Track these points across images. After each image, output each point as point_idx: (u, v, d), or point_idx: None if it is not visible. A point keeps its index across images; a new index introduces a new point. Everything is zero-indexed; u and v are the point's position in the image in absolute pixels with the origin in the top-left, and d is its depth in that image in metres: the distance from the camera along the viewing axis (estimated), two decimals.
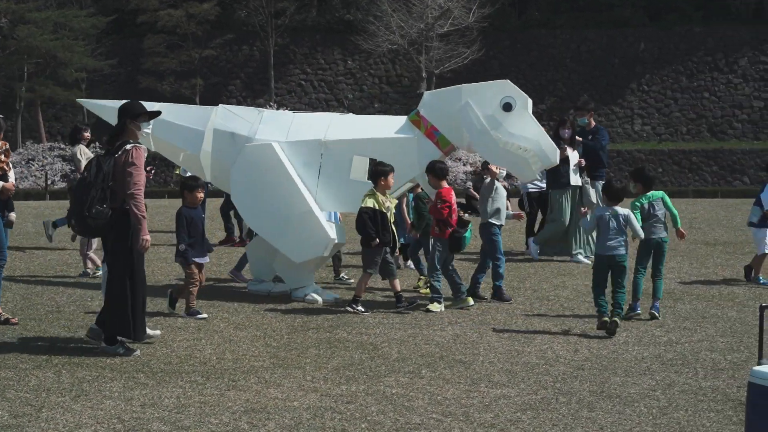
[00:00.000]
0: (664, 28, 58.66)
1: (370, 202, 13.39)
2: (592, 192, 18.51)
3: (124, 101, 14.92)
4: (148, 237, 10.63)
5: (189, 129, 14.78)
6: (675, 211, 13.58)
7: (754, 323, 12.41)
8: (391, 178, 13.53)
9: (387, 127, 14.72)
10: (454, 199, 13.80)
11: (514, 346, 11.32)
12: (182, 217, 12.89)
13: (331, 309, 13.46)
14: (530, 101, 14.17)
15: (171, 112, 14.89)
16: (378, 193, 13.46)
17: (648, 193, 13.38)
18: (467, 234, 13.92)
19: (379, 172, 13.52)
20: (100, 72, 60.36)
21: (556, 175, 18.34)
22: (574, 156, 18.37)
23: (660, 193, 13.47)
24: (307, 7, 63.09)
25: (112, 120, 14.38)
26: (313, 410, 8.59)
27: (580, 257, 18.44)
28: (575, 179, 18.49)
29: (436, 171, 13.77)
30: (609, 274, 12.38)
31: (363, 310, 13.26)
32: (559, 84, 57.74)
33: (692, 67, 58.22)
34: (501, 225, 14.77)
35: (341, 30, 61.40)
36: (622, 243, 12.36)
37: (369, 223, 13.32)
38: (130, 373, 9.81)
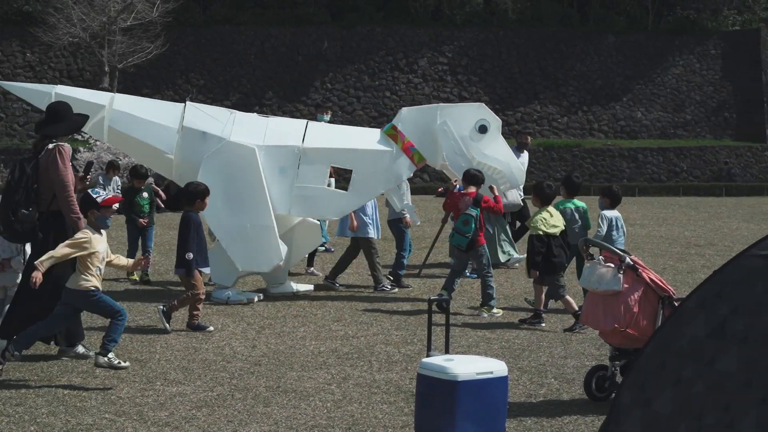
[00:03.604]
0: (346, 27, 59.67)
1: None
2: None
3: (54, 88, 14.12)
4: None
5: (159, 125, 14.26)
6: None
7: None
8: None
9: (365, 138, 14.93)
10: (461, 202, 13.82)
11: (191, 343, 11.22)
12: (192, 223, 12.07)
13: None
14: (500, 123, 14.98)
15: (136, 106, 14.52)
16: None
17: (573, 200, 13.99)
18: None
19: (553, 195, 13.18)
20: None
21: None
22: None
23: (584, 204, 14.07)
24: None
25: (40, 104, 13.51)
26: None
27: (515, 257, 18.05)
28: None
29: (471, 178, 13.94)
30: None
31: (584, 326, 12.10)
32: (243, 80, 57.80)
33: (374, 67, 59.45)
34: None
35: (19, 21, 59.36)
36: None
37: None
38: None
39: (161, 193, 17.86)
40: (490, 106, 16.51)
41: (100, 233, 9.59)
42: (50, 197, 10.09)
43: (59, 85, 14.41)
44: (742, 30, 63.02)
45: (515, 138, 19.74)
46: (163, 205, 18.06)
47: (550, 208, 12.99)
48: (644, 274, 8.93)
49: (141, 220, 15.92)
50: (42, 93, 13.98)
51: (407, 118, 14.76)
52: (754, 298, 6.54)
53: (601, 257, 9.21)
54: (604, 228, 13.11)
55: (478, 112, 14.86)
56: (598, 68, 60.26)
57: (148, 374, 9.76)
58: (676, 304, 8.86)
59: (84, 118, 10.91)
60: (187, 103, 14.76)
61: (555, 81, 59.50)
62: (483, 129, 14.64)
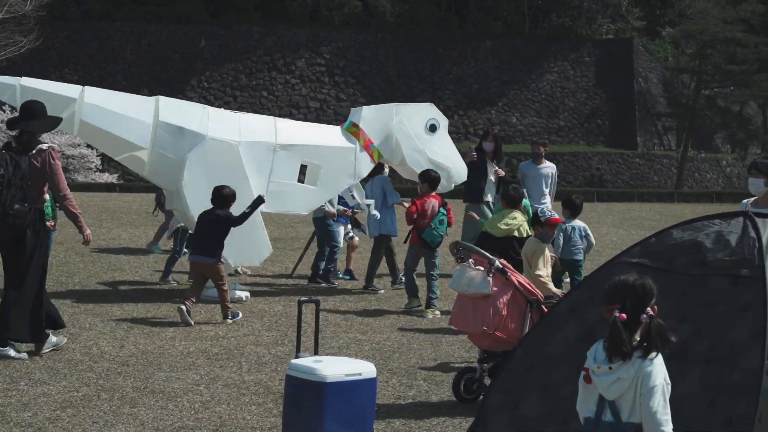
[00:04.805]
0: (224, 26, 59.24)
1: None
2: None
3: (19, 80, 13.71)
4: (89, 232, 10.73)
5: (133, 119, 14.05)
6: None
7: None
8: None
9: (330, 135, 15.37)
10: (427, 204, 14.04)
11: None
12: (231, 220, 13.10)
13: None
14: (447, 122, 15.89)
15: (108, 99, 14.28)
16: None
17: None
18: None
19: (521, 196, 13.22)
20: None
21: (475, 190, 16.79)
22: (491, 171, 16.93)
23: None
24: None
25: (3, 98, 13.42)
26: None
27: None
28: (493, 195, 17.08)
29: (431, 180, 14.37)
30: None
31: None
32: (119, 77, 57.01)
33: (252, 66, 59.15)
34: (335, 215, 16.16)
35: None
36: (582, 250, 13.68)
37: None
38: None
39: None
40: None
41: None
42: (38, 195, 10.34)
43: (24, 78, 14.06)
44: (616, 38, 64.09)
45: (531, 148, 19.13)
46: None
47: (516, 212, 12.74)
48: (513, 278, 9.04)
49: (49, 222, 15.44)
50: (5, 86, 13.61)
51: (368, 116, 15.32)
52: None
53: (471, 260, 9.30)
54: (560, 239, 13.33)
55: (429, 111, 15.64)
56: (474, 72, 60.74)
57: (12, 374, 9.59)
58: (544, 307, 9.00)
59: (58, 120, 11.25)
60: (160, 97, 14.73)
61: (432, 84, 59.84)
62: (433, 128, 15.41)
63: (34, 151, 10.33)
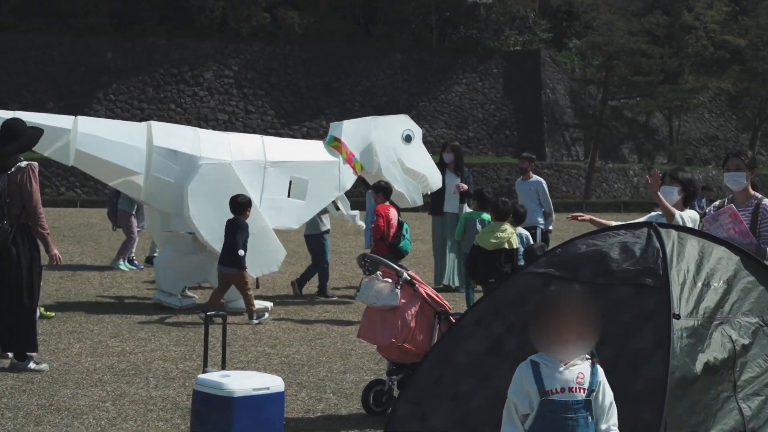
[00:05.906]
0: (130, 39, 58.72)
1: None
2: None
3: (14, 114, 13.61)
4: (57, 252, 10.85)
5: (127, 146, 14.31)
6: None
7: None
8: None
9: (315, 150, 15.73)
10: (391, 213, 14.46)
11: None
12: (246, 228, 13.69)
13: None
14: (422, 133, 16.60)
15: (101, 127, 14.54)
16: None
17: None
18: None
19: (510, 210, 13.30)
20: None
21: (438, 202, 17.70)
22: (451, 182, 17.60)
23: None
24: None
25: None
26: None
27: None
28: (452, 206, 17.65)
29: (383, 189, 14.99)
30: None
31: None
32: (23, 90, 56.25)
33: (159, 79, 58.70)
34: (328, 231, 16.63)
35: None
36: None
37: None
38: None
39: None
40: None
41: None
42: (19, 211, 10.37)
43: (19, 111, 14.33)
44: (523, 50, 64.65)
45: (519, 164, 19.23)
46: None
47: (506, 225, 12.84)
48: (421, 290, 9.05)
49: None
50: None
51: (348, 130, 15.82)
52: (526, 315, 6.68)
53: (379, 272, 9.29)
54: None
55: (404, 122, 16.33)
56: (383, 84, 60.90)
57: None
58: (452, 319, 9.03)
59: (39, 132, 11.22)
60: (152, 122, 15.03)
61: (340, 97, 59.86)
62: (408, 138, 16.05)
63: (13, 169, 10.44)
